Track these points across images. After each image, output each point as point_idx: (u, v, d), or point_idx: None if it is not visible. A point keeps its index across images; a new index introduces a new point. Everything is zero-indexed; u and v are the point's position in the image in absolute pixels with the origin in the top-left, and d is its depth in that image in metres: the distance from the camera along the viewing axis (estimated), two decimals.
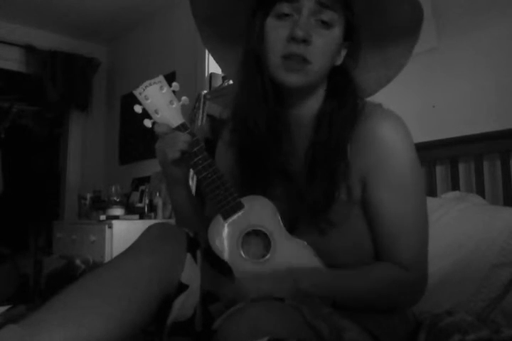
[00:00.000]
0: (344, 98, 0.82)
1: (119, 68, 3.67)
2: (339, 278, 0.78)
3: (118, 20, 3.29)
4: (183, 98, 0.82)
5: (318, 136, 0.82)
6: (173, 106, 0.81)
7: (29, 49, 3.27)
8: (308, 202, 0.79)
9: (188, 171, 0.89)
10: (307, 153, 0.83)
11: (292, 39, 0.75)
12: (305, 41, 0.74)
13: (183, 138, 0.80)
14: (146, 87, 0.81)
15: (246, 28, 0.82)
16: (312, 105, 0.84)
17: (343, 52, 0.83)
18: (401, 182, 0.78)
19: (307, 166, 0.82)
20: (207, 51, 1.03)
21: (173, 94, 0.82)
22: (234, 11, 0.84)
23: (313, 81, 0.80)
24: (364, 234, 0.82)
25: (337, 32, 0.78)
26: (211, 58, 1.06)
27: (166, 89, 0.81)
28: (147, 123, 0.82)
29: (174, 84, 0.82)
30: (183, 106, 0.83)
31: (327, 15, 0.76)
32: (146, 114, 0.82)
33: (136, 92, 0.81)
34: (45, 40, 3.38)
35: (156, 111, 0.81)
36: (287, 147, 0.85)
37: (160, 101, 0.81)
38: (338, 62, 0.83)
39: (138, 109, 0.82)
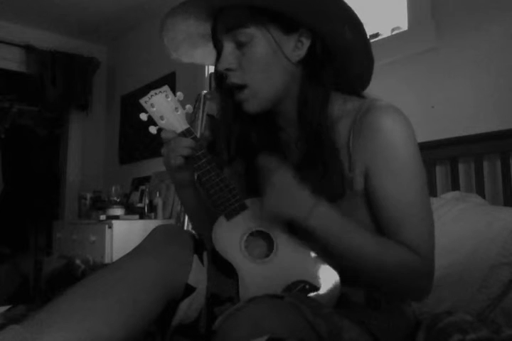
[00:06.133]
0: (318, 78, 0.81)
1: (119, 68, 3.67)
2: (356, 234, 0.76)
3: (118, 20, 3.29)
4: (187, 106, 0.85)
5: (301, 118, 0.83)
6: (178, 113, 0.84)
7: (29, 49, 3.28)
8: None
9: (194, 174, 0.89)
10: (297, 142, 0.85)
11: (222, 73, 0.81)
12: (228, 70, 0.79)
13: (186, 143, 0.81)
14: (151, 95, 0.83)
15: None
16: (292, 95, 0.84)
17: (299, 46, 0.81)
18: (403, 169, 0.78)
19: (302, 156, 0.83)
20: None
21: (178, 102, 0.84)
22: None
23: (270, 96, 0.82)
24: (367, 224, 0.81)
25: (262, 43, 0.78)
26: None
27: (171, 97, 0.84)
28: (152, 129, 0.84)
29: (178, 93, 0.85)
30: (186, 114, 0.85)
31: (242, 36, 0.78)
32: (151, 122, 0.84)
33: (142, 101, 0.84)
34: (45, 40, 3.39)
35: (162, 118, 0.83)
36: (283, 141, 0.88)
37: (165, 108, 0.83)
38: (296, 57, 0.81)
39: (143, 116, 0.84)
